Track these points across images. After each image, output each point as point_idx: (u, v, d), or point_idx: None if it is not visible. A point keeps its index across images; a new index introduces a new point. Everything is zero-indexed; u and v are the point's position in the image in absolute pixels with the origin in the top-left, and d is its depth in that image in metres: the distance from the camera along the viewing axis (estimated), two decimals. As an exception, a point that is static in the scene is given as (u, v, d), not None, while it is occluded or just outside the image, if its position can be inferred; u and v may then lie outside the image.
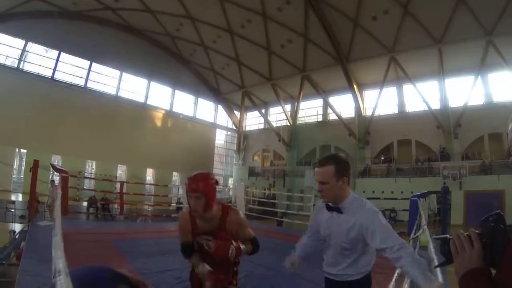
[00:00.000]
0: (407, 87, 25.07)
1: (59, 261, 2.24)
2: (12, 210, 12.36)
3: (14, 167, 23.25)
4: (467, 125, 21.96)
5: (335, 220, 2.29)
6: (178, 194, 25.23)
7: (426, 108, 23.39)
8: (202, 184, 2.50)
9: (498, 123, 19.23)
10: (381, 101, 25.57)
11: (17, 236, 7.08)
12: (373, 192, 20.35)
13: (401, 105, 26.03)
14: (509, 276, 0.97)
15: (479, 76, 21.73)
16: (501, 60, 19.93)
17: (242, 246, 2.44)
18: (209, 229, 2.57)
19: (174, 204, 18.79)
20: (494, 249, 1.03)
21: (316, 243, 2.56)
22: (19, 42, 22.38)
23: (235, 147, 36.10)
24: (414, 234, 6.51)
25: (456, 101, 22.54)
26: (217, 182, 2.64)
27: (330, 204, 2.32)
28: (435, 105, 23.32)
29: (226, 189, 33.38)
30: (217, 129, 35.66)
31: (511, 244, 1.02)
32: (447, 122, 22.44)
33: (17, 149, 23.11)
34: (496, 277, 1.02)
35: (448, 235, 1.17)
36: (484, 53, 20.49)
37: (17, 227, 10.08)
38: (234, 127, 36.38)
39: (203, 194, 2.47)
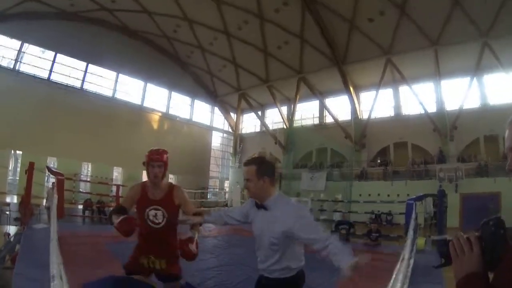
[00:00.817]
0: (404, 89, 25.14)
1: (54, 266, 2.23)
2: (7, 213, 12.27)
3: (10, 168, 23.07)
4: (463, 127, 22.05)
5: (264, 218, 2.48)
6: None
7: (422, 111, 23.46)
8: (164, 155, 3.19)
9: (494, 126, 19.36)
10: (377, 104, 25.65)
11: (12, 239, 7.01)
12: (369, 195, 20.37)
13: (397, 107, 26.11)
14: (504, 281, 0.97)
15: (475, 78, 21.86)
16: (497, 62, 20.05)
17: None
18: (157, 198, 3.08)
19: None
20: (494, 254, 1.04)
21: (225, 222, 2.85)
22: (15, 43, 22.24)
23: (231, 150, 36.04)
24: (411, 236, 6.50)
25: (452, 104, 22.64)
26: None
27: (257, 201, 2.53)
28: (431, 108, 23.41)
29: (223, 192, 33.36)
30: (214, 132, 35.59)
31: (509, 248, 1.02)
32: (443, 124, 22.52)
33: (12, 151, 22.95)
34: (493, 282, 1.03)
35: (447, 237, 1.18)
36: (480, 55, 20.60)
37: (12, 229, 9.99)
38: (230, 130, 36.28)
39: (164, 163, 3.15)
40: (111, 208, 14.41)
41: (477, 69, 21.23)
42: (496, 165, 19.31)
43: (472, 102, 22.43)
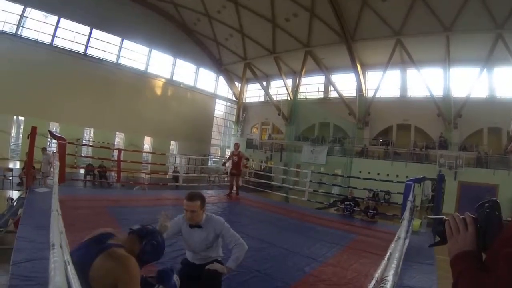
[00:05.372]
0: (411, 72, 24.86)
1: (54, 235, 2.28)
2: (10, 178, 12.41)
3: (12, 134, 23.02)
4: (467, 116, 21.99)
5: (199, 234, 3.22)
6: (175, 163, 25.28)
7: (428, 95, 23.29)
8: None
9: (498, 118, 19.30)
10: (383, 83, 25.40)
11: (14, 203, 7.12)
12: (369, 173, 20.52)
13: (403, 89, 25.90)
14: (496, 260, 1.00)
15: (485, 69, 21.57)
16: (509, 55, 19.73)
17: None
18: None
19: (171, 173, 18.90)
20: (487, 234, 1.09)
21: None
22: (18, 7, 21.48)
23: (234, 118, 36.18)
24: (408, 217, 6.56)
25: (459, 91, 22.40)
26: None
27: (191, 223, 3.21)
28: (438, 93, 23.20)
29: (223, 160, 33.46)
30: (217, 100, 35.42)
31: (502, 231, 1.06)
32: (448, 111, 22.42)
33: (15, 117, 22.87)
34: (485, 261, 1.08)
35: (444, 216, 1.21)
36: (492, 46, 20.28)
37: (15, 194, 10.15)
38: (234, 98, 36.23)
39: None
40: (113, 173, 14.52)
41: (488, 60, 20.92)
42: (497, 157, 19.37)
43: (479, 92, 22.16)
